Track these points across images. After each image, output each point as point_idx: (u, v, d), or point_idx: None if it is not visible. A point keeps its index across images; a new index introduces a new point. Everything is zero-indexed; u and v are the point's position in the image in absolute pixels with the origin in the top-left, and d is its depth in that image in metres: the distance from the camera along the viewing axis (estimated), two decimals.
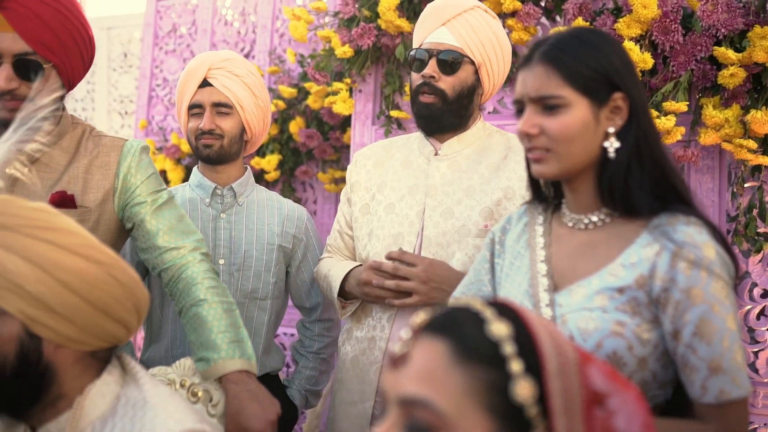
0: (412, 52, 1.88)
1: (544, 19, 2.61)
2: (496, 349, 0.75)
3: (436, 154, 1.89)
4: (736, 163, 2.28)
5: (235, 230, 2.11)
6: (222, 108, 2.10)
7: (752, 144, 2.13)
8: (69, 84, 1.65)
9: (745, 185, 2.29)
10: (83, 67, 1.67)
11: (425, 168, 1.88)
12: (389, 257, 1.77)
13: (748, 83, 2.18)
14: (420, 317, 0.81)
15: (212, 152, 2.09)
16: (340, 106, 2.80)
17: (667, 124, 2.17)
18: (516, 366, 0.74)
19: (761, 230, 2.28)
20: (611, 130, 1.25)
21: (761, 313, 2.30)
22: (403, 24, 2.59)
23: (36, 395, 1.13)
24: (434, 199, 1.83)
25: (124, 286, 1.16)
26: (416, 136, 1.97)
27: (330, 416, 1.95)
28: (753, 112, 2.11)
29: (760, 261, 2.29)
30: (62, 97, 1.65)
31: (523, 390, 0.73)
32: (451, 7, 1.83)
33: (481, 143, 1.89)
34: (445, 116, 1.84)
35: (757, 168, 2.25)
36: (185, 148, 3.61)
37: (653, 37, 2.25)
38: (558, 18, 2.58)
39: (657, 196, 1.24)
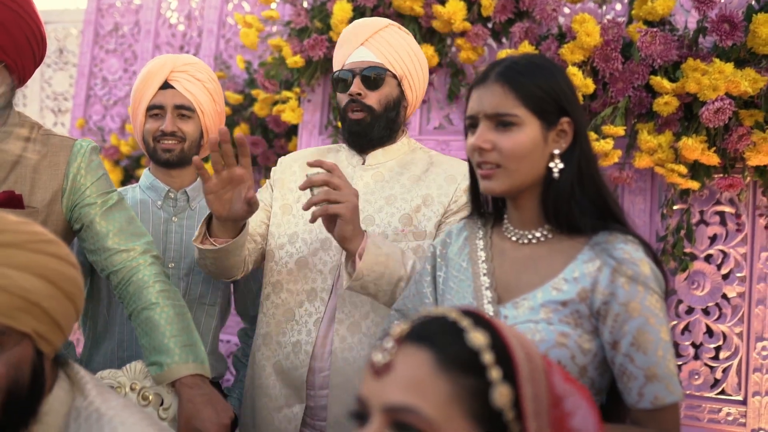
0: (335, 74, 1.93)
1: (491, 41, 2.70)
2: (476, 357, 0.79)
3: (363, 163, 1.95)
4: (667, 186, 2.41)
5: (186, 234, 2.10)
6: (184, 111, 2.09)
7: (683, 169, 2.26)
8: (19, 82, 1.62)
9: (674, 207, 2.42)
10: (34, 66, 1.64)
11: (351, 176, 1.92)
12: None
13: (681, 111, 2.31)
14: (400, 327, 0.85)
15: (172, 156, 2.08)
16: (289, 114, 2.82)
17: (606, 146, 2.28)
18: (495, 373, 0.78)
19: (687, 250, 2.41)
20: (556, 151, 1.33)
21: (685, 328, 2.43)
22: None
23: (34, 414, 1.12)
24: None
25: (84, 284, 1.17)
26: (346, 147, 2.01)
27: (249, 423, 1.91)
28: (684, 138, 2.24)
29: (685, 279, 2.42)
30: (12, 96, 1.61)
31: (502, 396, 0.77)
32: (367, 27, 1.91)
33: (405, 157, 1.96)
34: (375, 130, 1.89)
35: (686, 192, 2.38)
36: (124, 149, 3.55)
37: (594, 64, 2.36)
38: (504, 40, 2.67)
39: (596, 216, 1.32)
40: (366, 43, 1.89)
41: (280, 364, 1.84)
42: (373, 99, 1.87)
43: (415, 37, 2.63)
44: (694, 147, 2.22)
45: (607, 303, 1.25)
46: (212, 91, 2.13)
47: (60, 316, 1.10)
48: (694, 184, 2.30)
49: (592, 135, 2.31)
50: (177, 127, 2.05)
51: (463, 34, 2.61)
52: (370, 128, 1.88)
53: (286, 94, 2.85)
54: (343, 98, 1.91)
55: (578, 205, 1.31)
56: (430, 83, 2.82)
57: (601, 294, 1.26)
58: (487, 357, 0.78)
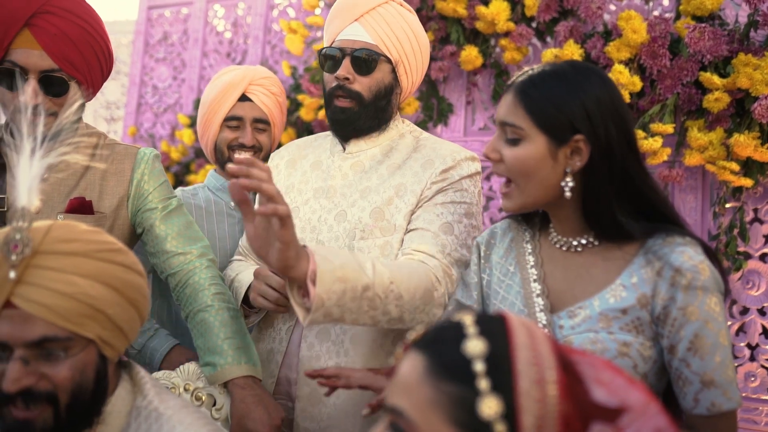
0: (323, 50, 1.73)
1: (535, 40, 2.68)
2: (468, 365, 0.78)
3: (344, 151, 1.79)
4: (719, 184, 2.37)
5: None
6: (261, 124, 2.15)
7: (735, 166, 2.21)
8: (88, 97, 1.68)
9: (727, 206, 2.37)
10: (102, 81, 1.70)
11: (329, 166, 1.78)
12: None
13: (732, 108, 2.26)
14: (415, 333, 0.86)
15: None
16: None
17: (654, 144, 2.25)
18: (483, 384, 0.77)
19: (741, 249, 2.36)
20: (568, 170, 1.28)
21: (740, 329, 2.38)
22: None
23: (97, 415, 1.16)
24: (331, 201, 1.72)
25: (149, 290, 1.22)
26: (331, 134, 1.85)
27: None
28: (736, 135, 2.19)
29: (739, 279, 2.37)
30: (81, 109, 1.68)
31: (488, 407, 0.76)
32: (364, 1, 1.70)
33: (390, 143, 1.77)
34: (361, 120, 1.71)
35: (739, 189, 2.33)
36: (174, 155, 3.63)
37: (642, 61, 2.33)
38: (549, 39, 2.66)
39: (646, 219, 1.29)
40: (361, 19, 1.69)
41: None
42: (362, 85, 1.68)
43: (459, 39, 2.64)
44: (746, 143, 2.18)
45: (667, 307, 1.23)
46: (282, 104, 2.21)
47: (123, 323, 1.14)
48: (747, 182, 2.25)
49: (640, 133, 2.28)
50: (256, 140, 2.12)
51: (507, 34, 2.61)
52: (356, 117, 1.70)
53: None
54: (329, 80, 1.72)
55: (624, 217, 1.28)
56: (475, 84, 2.82)
57: (661, 299, 1.24)
58: (478, 366, 0.78)
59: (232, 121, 2.15)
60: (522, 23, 2.59)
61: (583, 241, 1.34)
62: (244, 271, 1.78)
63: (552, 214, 1.38)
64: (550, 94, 1.27)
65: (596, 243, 1.33)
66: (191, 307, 1.66)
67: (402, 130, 1.81)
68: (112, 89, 4.74)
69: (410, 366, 0.82)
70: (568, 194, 1.29)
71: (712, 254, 1.28)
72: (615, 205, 1.28)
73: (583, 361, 0.83)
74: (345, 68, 1.67)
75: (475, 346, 0.79)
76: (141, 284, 1.17)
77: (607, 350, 1.24)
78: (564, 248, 1.37)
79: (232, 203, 2.17)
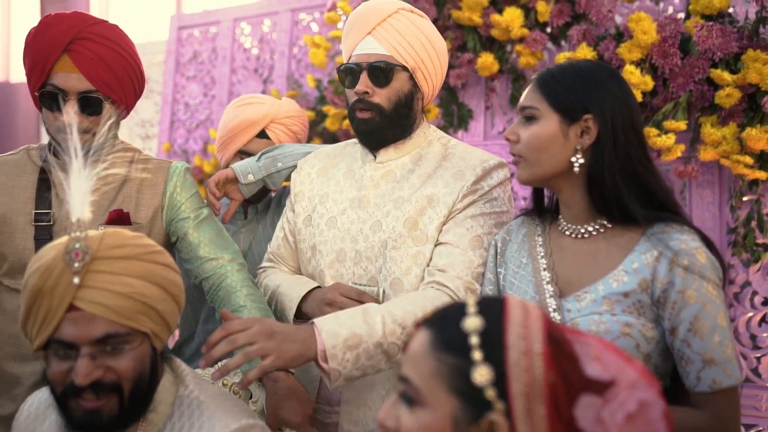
0: (341, 67, 1.78)
1: (550, 45, 2.76)
2: (465, 339, 0.90)
3: (375, 160, 1.83)
4: (735, 177, 2.41)
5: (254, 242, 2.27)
6: None
7: (748, 159, 2.27)
8: (122, 115, 1.81)
9: (744, 198, 2.42)
10: (135, 99, 1.83)
11: (362, 175, 1.82)
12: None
13: (744, 102, 2.31)
14: (429, 313, 0.98)
15: (254, 197, 2.21)
16: None
17: (668, 141, 2.32)
18: (477, 355, 0.88)
19: (759, 241, 2.40)
20: (578, 147, 1.42)
21: (762, 319, 2.42)
22: None
23: (151, 401, 1.29)
24: (366, 212, 1.77)
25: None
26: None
27: None
28: (748, 129, 2.25)
29: (758, 270, 2.41)
30: (117, 126, 1.81)
31: (480, 375, 0.87)
32: (374, 14, 1.74)
33: (419, 151, 1.82)
34: (385, 130, 1.76)
35: (755, 182, 2.38)
36: (207, 169, 3.77)
37: (653, 61, 2.40)
38: (563, 43, 2.73)
39: (649, 207, 1.39)
40: (373, 32, 1.72)
41: (296, 377, 1.75)
42: (381, 97, 1.73)
43: (475, 47, 2.73)
44: (758, 137, 2.23)
45: (666, 291, 1.32)
46: (302, 139, 2.27)
47: (168, 316, 1.26)
48: (761, 174, 2.30)
49: (653, 131, 2.34)
50: None
51: (521, 40, 2.69)
52: (379, 128, 1.75)
53: None
54: (351, 95, 1.77)
55: (629, 200, 1.37)
56: (493, 90, 2.91)
57: (660, 283, 1.32)
58: (474, 340, 0.89)
59: (244, 154, 2.21)
60: (536, 29, 2.67)
61: (590, 228, 1.44)
62: (288, 282, 1.82)
63: (562, 201, 1.48)
64: (564, 80, 1.43)
65: (602, 230, 1.43)
66: (225, 308, 1.77)
67: (430, 136, 1.85)
68: (146, 108, 4.91)
69: (418, 341, 0.94)
70: (576, 169, 1.41)
71: (709, 242, 1.36)
72: (621, 187, 1.38)
73: (579, 341, 0.92)
74: (363, 83, 1.72)
75: (472, 322, 0.90)
76: (179, 281, 1.29)
77: (610, 331, 1.32)
78: (573, 235, 1.47)
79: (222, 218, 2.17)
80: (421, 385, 0.91)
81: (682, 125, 2.33)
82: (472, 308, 0.92)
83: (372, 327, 1.51)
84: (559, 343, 0.89)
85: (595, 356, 0.89)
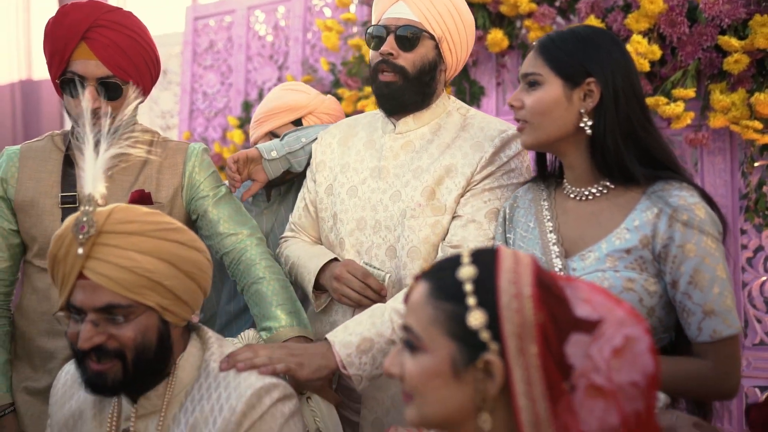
0: (369, 29, 1.81)
1: (559, 19, 2.79)
2: (460, 287, 0.95)
3: (395, 130, 1.86)
4: (746, 144, 2.43)
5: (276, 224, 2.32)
6: None
7: (758, 124, 2.28)
8: (140, 98, 1.88)
9: (755, 164, 2.43)
10: (151, 83, 1.90)
11: (382, 145, 1.86)
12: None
13: (753, 68, 2.33)
14: (426, 266, 1.03)
15: (278, 179, 2.21)
16: (372, 108, 3.00)
17: (677, 109, 2.34)
18: (471, 300, 0.94)
19: None
20: (582, 110, 1.45)
21: None
22: None
23: (162, 370, 1.36)
24: (385, 182, 1.81)
25: (212, 265, 1.40)
26: (381, 113, 1.91)
27: None
28: (757, 94, 2.26)
29: None
30: (136, 110, 1.88)
31: (475, 319, 0.93)
32: None
33: (438, 122, 1.84)
34: (406, 94, 1.78)
35: (766, 147, 2.39)
36: (227, 155, 3.85)
37: (661, 30, 2.42)
38: (572, 17, 2.76)
39: (650, 166, 1.43)
40: None
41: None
42: (406, 60, 1.75)
43: (485, 23, 2.77)
44: (767, 101, 2.24)
45: (666, 246, 1.36)
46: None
47: (182, 293, 1.31)
48: None
49: (662, 99, 2.37)
50: None
51: (530, 15, 2.72)
52: (401, 92, 1.77)
53: (368, 89, 3.04)
54: (375, 56, 1.80)
55: (629, 160, 1.42)
56: (503, 66, 2.94)
57: (660, 239, 1.37)
58: (468, 287, 0.95)
59: (275, 136, 2.25)
60: (544, 3, 2.70)
61: (593, 190, 1.48)
62: (307, 253, 1.87)
63: (566, 164, 1.53)
64: (565, 45, 1.47)
65: (605, 191, 1.47)
66: (245, 280, 1.84)
67: (449, 107, 1.87)
68: (166, 99, 4.99)
69: (417, 292, 1.00)
70: (588, 131, 1.45)
71: (708, 199, 1.40)
72: (622, 149, 1.42)
73: (570, 285, 0.97)
74: (389, 44, 1.75)
75: (466, 271, 0.96)
76: (197, 259, 1.34)
77: (614, 286, 1.37)
78: (577, 198, 1.51)
79: (249, 198, 2.28)
80: (421, 332, 0.97)
81: (690, 93, 2.34)
82: (466, 259, 0.98)
83: (380, 327, 1.57)
84: (548, 287, 0.95)
85: (584, 298, 0.94)
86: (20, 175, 1.87)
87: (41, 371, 1.84)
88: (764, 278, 2.44)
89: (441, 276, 0.99)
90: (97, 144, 1.31)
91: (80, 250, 1.23)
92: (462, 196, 1.74)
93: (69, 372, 1.50)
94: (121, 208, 1.30)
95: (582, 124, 1.46)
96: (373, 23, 1.84)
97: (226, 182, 2.01)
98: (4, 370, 1.84)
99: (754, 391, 2.41)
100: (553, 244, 1.50)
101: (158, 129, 4.98)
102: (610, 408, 0.89)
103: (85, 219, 1.23)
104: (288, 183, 2.38)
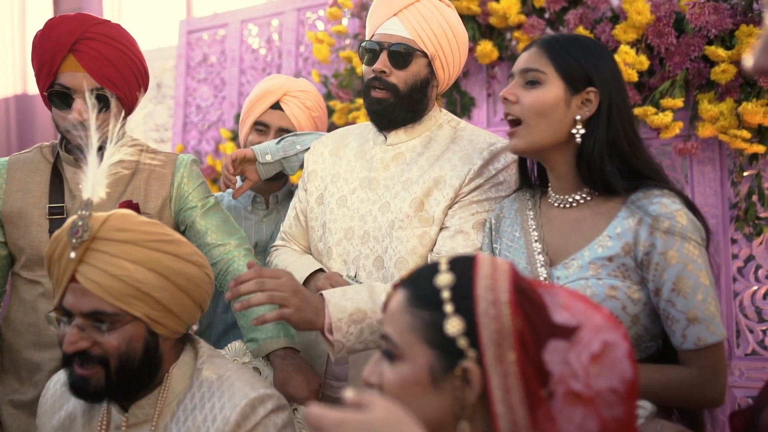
0: (363, 44, 1.80)
1: (548, 30, 2.80)
2: (438, 294, 0.95)
3: (386, 142, 1.86)
4: (735, 153, 2.44)
5: (276, 231, 2.34)
6: (285, 133, 2.25)
7: (746, 134, 2.29)
8: (129, 110, 1.89)
9: (744, 174, 2.44)
10: (140, 95, 1.91)
11: (373, 156, 1.86)
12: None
13: (740, 78, 2.34)
14: (405, 274, 1.03)
15: (272, 186, 2.31)
16: (363, 119, 3.01)
17: (665, 119, 2.35)
18: (448, 308, 0.93)
19: (762, 215, 2.42)
20: (578, 117, 1.44)
21: (767, 293, 2.44)
22: None
23: (149, 380, 1.35)
24: (375, 193, 1.81)
25: (212, 281, 1.39)
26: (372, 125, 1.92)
27: None
28: (745, 104, 2.27)
29: (761, 243, 2.43)
30: (124, 121, 1.88)
31: (452, 326, 0.93)
32: None
33: (429, 134, 1.84)
34: (397, 111, 1.78)
35: (754, 156, 2.40)
36: (219, 168, 3.85)
37: (649, 41, 2.43)
38: (561, 28, 2.77)
39: (632, 177, 1.43)
40: (399, 14, 1.75)
41: (305, 351, 1.83)
42: (398, 78, 1.75)
43: (475, 35, 2.78)
44: (755, 111, 2.25)
45: (648, 254, 1.36)
46: (317, 119, 2.35)
47: (173, 306, 1.30)
48: (760, 148, 2.33)
49: (651, 109, 2.37)
50: None
51: (519, 26, 2.73)
52: (392, 109, 1.77)
53: (359, 101, 3.05)
54: (367, 72, 1.80)
55: (612, 171, 1.42)
56: (494, 77, 2.95)
57: (642, 246, 1.36)
58: (445, 294, 0.94)
59: (260, 126, 2.30)
60: (533, 15, 2.71)
61: (577, 197, 1.48)
62: (295, 262, 1.87)
63: (551, 172, 1.52)
64: (572, 49, 1.46)
65: (588, 198, 1.47)
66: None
67: (440, 120, 1.87)
68: (160, 113, 5.00)
69: (395, 300, 0.99)
70: (578, 139, 1.44)
71: (690, 205, 1.39)
72: (606, 162, 1.42)
73: (549, 291, 0.97)
74: (382, 62, 1.75)
75: (443, 278, 0.96)
76: (192, 273, 1.32)
77: (597, 294, 1.37)
78: (560, 206, 1.51)
79: (249, 206, 2.34)
80: (400, 340, 0.96)
81: (678, 102, 2.35)
82: (443, 266, 0.98)
83: (376, 304, 1.56)
84: (525, 293, 0.94)
85: (563, 304, 0.93)
86: (8, 186, 1.87)
87: (27, 384, 1.83)
88: (755, 287, 2.44)
89: (418, 284, 0.98)
90: (99, 150, 1.31)
91: (72, 254, 1.23)
92: (450, 207, 1.74)
93: (59, 382, 1.50)
94: (118, 215, 1.30)
95: (574, 131, 1.45)
96: (366, 37, 1.84)
97: (216, 194, 2.02)
98: None
99: (747, 402, 2.40)
100: (538, 253, 1.50)
101: (152, 142, 4.99)
102: (589, 415, 0.89)
103: (80, 223, 1.24)
104: (285, 191, 2.40)
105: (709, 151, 2.51)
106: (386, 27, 1.77)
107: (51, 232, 1.82)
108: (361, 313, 1.55)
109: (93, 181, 1.27)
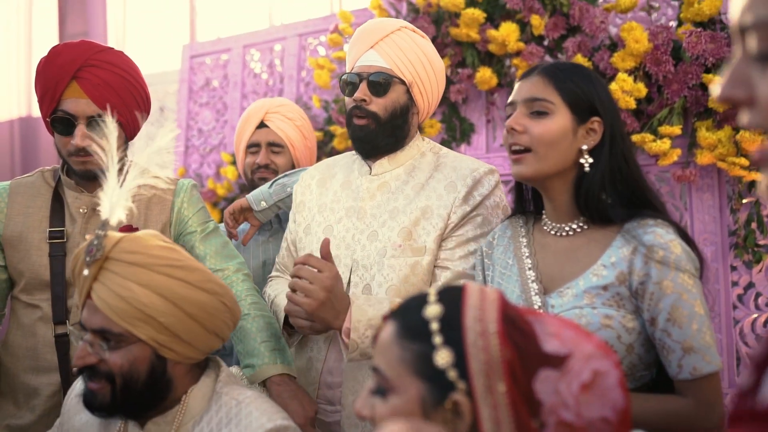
0: (343, 77, 1.87)
1: (547, 57, 2.82)
2: (426, 326, 0.95)
3: (370, 173, 1.91)
4: (733, 180, 2.45)
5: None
6: (276, 147, 2.43)
7: (744, 161, 2.30)
8: (130, 136, 1.90)
9: (743, 201, 2.45)
10: (142, 121, 1.93)
11: (359, 186, 1.90)
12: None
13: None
14: (394, 305, 1.04)
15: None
16: None
17: (663, 146, 2.36)
18: (437, 339, 0.93)
19: (761, 242, 2.42)
20: (584, 147, 1.45)
21: (767, 321, 2.43)
22: None
23: (157, 402, 1.36)
24: (363, 222, 1.85)
25: (230, 310, 1.39)
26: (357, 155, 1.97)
27: None
28: (742, 132, 2.28)
29: (761, 271, 2.43)
30: (126, 148, 1.90)
31: (441, 358, 0.93)
32: (378, 29, 1.84)
33: (412, 162, 1.89)
34: (379, 137, 1.84)
35: (753, 184, 2.41)
36: (220, 192, 3.87)
37: (647, 68, 2.45)
38: (560, 55, 2.79)
39: (629, 206, 1.43)
40: (376, 46, 1.83)
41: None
42: (378, 105, 1.82)
43: (474, 62, 2.81)
44: (753, 139, 2.26)
45: (643, 283, 1.36)
46: (302, 128, 2.45)
47: (182, 333, 1.31)
48: (758, 176, 2.33)
49: (648, 137, 2.39)
50: (270, 160, 2.39)
51: (518, 53, 2.75)
52: (374, 135, 1.83)
53: None
54: (349, 102, 1.87)
55: (609, 198, 1.43)
56: (493, 103, 2.97)
57: (636, 275, 1.36)
58: (434, 326, 0.94)
59: (252, 147, 2.43)
60: (532, 42, 2.74)
61: (574, 226, 1.49)
62: (281, 293, 1.90)
63: (548, 200, 1.52)
64: (577, 79, 1.46)
65: (585, 227, 1.47)
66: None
67: (422, 148, 1.93)
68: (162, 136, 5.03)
69: (385, 332, 1.00)
70: (587, 169, 1.44)
71: (684, 235, 1.40)
72: (605, 190, 1.43)
73: (539, 320, 0.97)
74: (362, 91, 1.82)
75: (432, 310, 0.96)
76: (204, 301, 1.32)
77: (591, 323, 1.36)
78: (556, 233, 1.51)
79: (241, 241, 2.34)
80: (390, 373, 0.96)
81: (676, 130, 2.37)
82: (432, 297, 0.98)
83: None
84: (514, 322, 0.94)
85: (553, 333, 0.93)
86: (9, 210, 1.88)
87: (24, 408, 1.83)
88: (755, 315, 2.43)
89: (407, 315, 0.98)
90: (120, 173, 1.34)
91: (85, 272, 1.27)
92: (442, 237, 1.77)
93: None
94: (132, 237, 1.32)
95: (582, 160, 1.45)
96: (346, 71, 1.90)
97: (216, 222, 2.05)
98: None
99: (723, 415, 2.38)
100: (532, 281, 1.49)
101: (154, 166, 5.01)
102: None
103: (95, 242, 1.27)
104: (284, 213, 2.43)
105: (707, 178, 2.52)
106: (365, 59, 1.84)
107: (51, 256, 1.83)
108: (377, 320, 1.61)
109: (112, 203, 1.31)
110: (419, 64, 1.84)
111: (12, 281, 1.90)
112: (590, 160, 1.45)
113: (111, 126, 1.45)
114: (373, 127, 1.83)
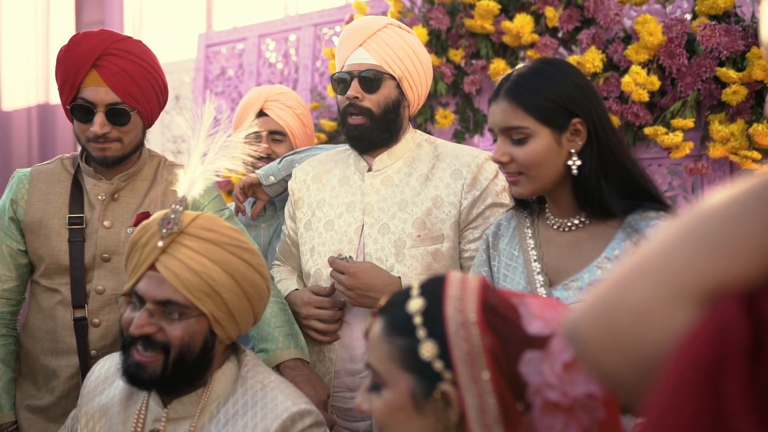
0: (334, 76, 1.92)
1: (561, 49, 2.83)
2: (410, 320, 0.98)
3: (369, 169, 1.95)
4: (746, 173, 2.45)
5: (273, 238, 2.42)
6: (276, 135, 2.43)
7: (756, 155, 2.30)
8: (148, 124, 1.94)
9: None
10: (159, 110, 1.96)
11: (360, 185, 1.94)
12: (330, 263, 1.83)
13: (751, 99, 2.36)
14: (381, 301, 1.06)
15: None
16: None
17: (675, 139, 2.37)
18: (421, 333, 0.96)
19: None
20: (573, 150, 1.46)
21: None
22: (432, 59, 2.84)
23: (198, 377, 1.41)
24: (371, 217, 1.88)
25: (269, 295, 1.47)
26: (352, 150, 2.01)
27: None
28: (755, 125, 2.29)
29: None
30: (143, 136, 1.94)
31: (426, 350, 0.95)
32: (365, 28, 1.89)
33: (411, 155, 1.94)
34: (375, 133, 1.88)
35: None
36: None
37: (660, 61, 2.46)
38: (574, 47, 2.80)
39: (628, 197, 1.44)
40: (364, 44, 1.88)
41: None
42: (371, 101, 1.87)
43: (488, 53, 2.82)
44: (765, 132, 2.27)
45: None
46: (301, 115, 2.44)
47: (236, 310, 1.37)
48: None
49: (661, 129, 2.40)
50: (272, 150, 2.36)
51: (532, 45, 2.76)
52: (369, 132, 1.88)
53: None
54: (342, 101, 1.91)
55: (608, 193, 1.44)
56: None
57: None
58: (417, 320, 0.97)
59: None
60: (546, 34, 2.75)
61: (576, 221, 1.51)
62: (281, 282, 2.02)
63: (550, 198, 1.54)
64: (542, 90, 1.44)
65: (587, 222, 1.49)
66: None
67: (417, 139, 1.98)
68: (178, 124, 5.07)
69: (374, 329, 1.03)
70: (575, 171, 1.45)
71: None
72: (603, 184, 1.44)
73: (523, 302, 0.99)
74: (354, 88, 1.87)
75: (414, 304, 0.99)
76: (259, 283, 1.40)
77: None
78: (559, 228, 1.53)
79: (250, 215, 2.41)
80: (381, 368, 1.00)
81: (689, 123, 2.37)
82: (415, 291, 1.01)
83: None
84: (494, 310, 0.96)
85: (536, 314, 0.96)
86: (30, 196, 1.92)
87: (44, 390, 1.88)
88: None
89: (393, 311, 1.01)
90: (204, 153, 1.41)
91: (160, 243, 1.32)
92: (459, 224, 1.83)
93: (103, 367, 1.57)
94: (207, 216, 1.39)
95: (570, 162, 1.46)
96: (336, 70, 1.94)
97: (230, 206, 2.08)
98: (8, 389, 1.87)
99: None
100: (537, 273, 1.52)
101: (169, 153, 5.06)
102: (570, 422, 0.90)
103: (173, 216, 1.32)
104: (282, 197, 2.46)
105: (720, 171, 2.53)
106: (354, 57, 1.89)
107: (70, 241, 1.87)
108: None
109: (190, 180, 1.37)
110: (407, 59, 1.89)
111: (32, 266, 1.94)
112: (578, 162, 1.45)
113: (209, 108, 1.50)
114: (369, 123, 1.88)
